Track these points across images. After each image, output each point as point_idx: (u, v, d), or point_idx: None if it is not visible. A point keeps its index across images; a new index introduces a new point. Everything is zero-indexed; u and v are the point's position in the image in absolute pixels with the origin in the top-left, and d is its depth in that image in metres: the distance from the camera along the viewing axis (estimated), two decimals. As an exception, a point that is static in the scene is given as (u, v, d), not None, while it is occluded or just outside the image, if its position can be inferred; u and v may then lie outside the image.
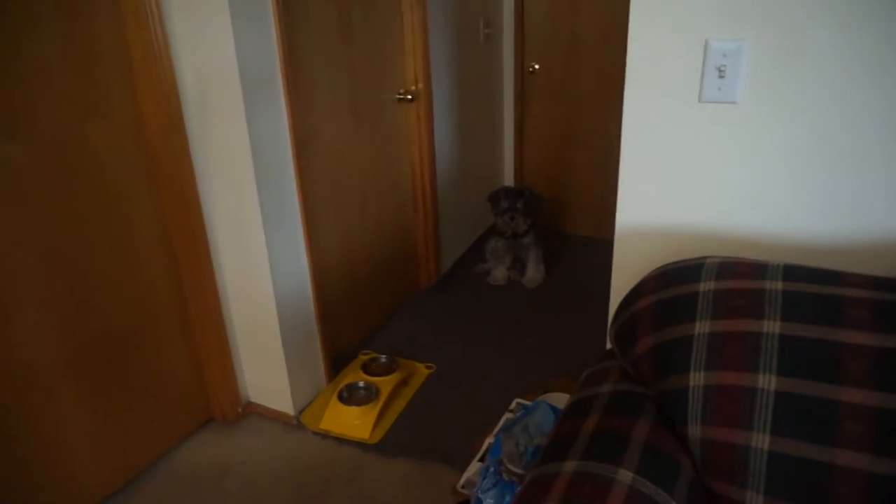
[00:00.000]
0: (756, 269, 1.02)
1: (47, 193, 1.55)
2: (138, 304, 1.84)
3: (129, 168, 1.75)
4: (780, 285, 0.97)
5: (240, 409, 2.19)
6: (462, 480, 1.82)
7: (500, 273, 3.19)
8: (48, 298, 1.59)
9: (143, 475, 1.94)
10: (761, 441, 0.89)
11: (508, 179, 3.89)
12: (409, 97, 2.70)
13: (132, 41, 1.68)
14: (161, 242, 1.89)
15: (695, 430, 0.94)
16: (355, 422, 2.09)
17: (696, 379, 0.95)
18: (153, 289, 1.89)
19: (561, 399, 1.91)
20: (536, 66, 3.59)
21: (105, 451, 1.81)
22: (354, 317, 2.59)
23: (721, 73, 1.17)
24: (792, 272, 1.00)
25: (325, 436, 2.09)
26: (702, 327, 0.98)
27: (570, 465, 0.93)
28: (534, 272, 3.16)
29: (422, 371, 2.41)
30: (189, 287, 1.98)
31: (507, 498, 1.57)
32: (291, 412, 2.16)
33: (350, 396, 2.18)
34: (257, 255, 1.95)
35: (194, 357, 2.07)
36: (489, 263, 3.24)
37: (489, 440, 1.93)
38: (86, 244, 1.66)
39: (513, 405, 2.13)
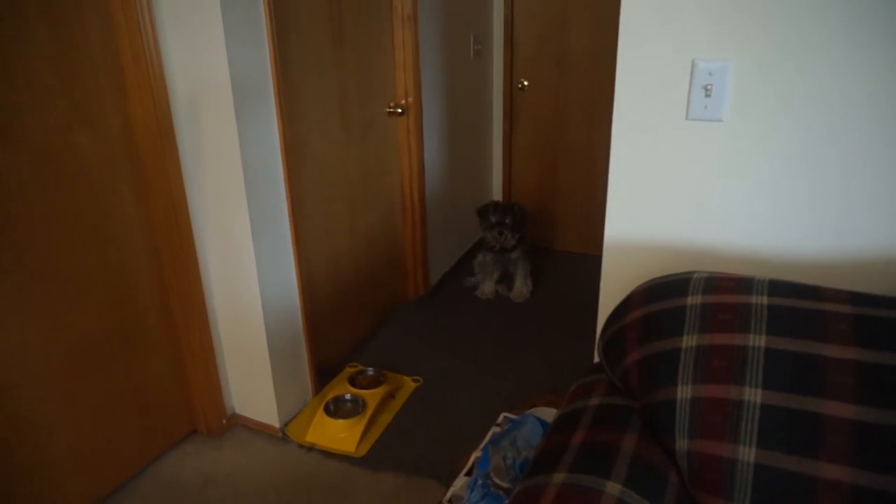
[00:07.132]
0: (742, 284, 1.04)
1: (32, 200, 1.54)
2: (123, 314, 1.83)
3: (117, 175, 1.75)
4: (765, 300, 0.99)
5: (224, 421, 2.17)
6: (448, 494, 1.81)
7: (488, 287, 3.20)
8: (31, 307, 1.57)
9: (126, 486, 1.91)
10: (747, 454, 0.89)
11: (497, 194, 3.91)
12: (400, 111, 2.72)
13: (123, 48, 1.68)
14: (148, 251, 1.87)
15: (682, 443, 0.95)
16: (341, 435, 2.07)
17: (684, 392, 0.96)
18: (139, 298, 1.87)
19: (548, 413, 1.92)
20: (525, 83, 3.64)
21: (87, 461, 1.78)
22: (342, 329, 2.58)
23: (707, 91, 1.19)
24: (777, 287, 1.02)
25: (311, 449, 2.08)
26: (689, 341, 0.99)
27: (558, 478, 0.93)
28: (521, 287, 3.17)
29: (409, 384, 2.41)
30: (175, 297, 1.96)
31: (494, 512, 1.57)
32: (277, 424, 2.14)
33: (336, 409, 2.17)
34: (245, 265, 1.94)
35: (179, 368, 2.05)
36: (477, 277, 3.25)
37: (476, 454, 1.92)
38: (70, 252, 1.65)
39: (500, 419, 2.13)
